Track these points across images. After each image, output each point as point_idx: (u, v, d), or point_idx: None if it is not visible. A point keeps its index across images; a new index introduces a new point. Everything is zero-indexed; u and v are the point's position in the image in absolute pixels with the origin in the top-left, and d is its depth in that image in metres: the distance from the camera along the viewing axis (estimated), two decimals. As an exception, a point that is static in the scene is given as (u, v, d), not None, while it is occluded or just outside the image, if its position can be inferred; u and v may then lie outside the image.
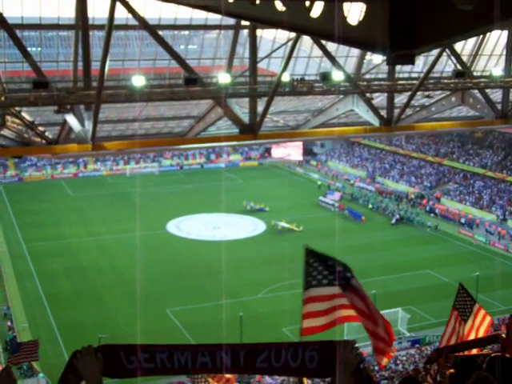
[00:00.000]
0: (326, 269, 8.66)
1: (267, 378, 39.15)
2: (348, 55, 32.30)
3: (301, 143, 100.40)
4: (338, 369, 4.42)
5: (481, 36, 32.79)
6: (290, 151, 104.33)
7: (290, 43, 27.24)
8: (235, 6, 7.74)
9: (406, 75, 34.19)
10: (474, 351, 9.84)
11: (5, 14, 21.21)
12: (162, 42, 24.62)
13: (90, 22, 23.63)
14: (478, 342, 10.32)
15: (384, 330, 8.32)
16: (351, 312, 8.55)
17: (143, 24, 23.47)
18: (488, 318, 10.98)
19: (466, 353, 9.69)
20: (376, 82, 32.44)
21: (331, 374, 4.50)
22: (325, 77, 27.81)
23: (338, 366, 4.42)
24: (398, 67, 32.32)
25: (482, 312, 10.95)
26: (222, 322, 41.55)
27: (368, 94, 31.34)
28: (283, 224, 68.92)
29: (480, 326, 10.87)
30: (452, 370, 7.75)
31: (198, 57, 30.81)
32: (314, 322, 8.91)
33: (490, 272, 51.30)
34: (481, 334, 10.79)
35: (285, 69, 27.03)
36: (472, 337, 10.70)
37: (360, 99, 31.49)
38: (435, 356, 9.28)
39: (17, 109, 25.28)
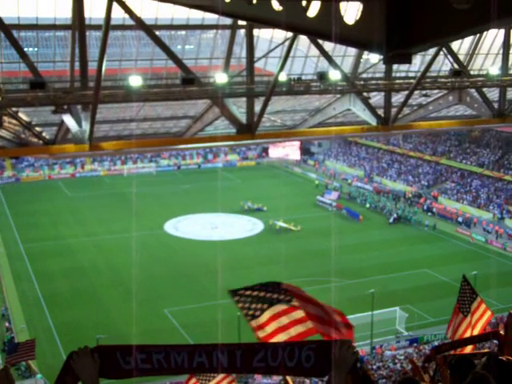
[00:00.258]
0: (260, 295, 8.63)
1: (261, 379, 39.13)
2: (345, 55, 32.32)
3: (298, 143, 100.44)
4: (334, 368, 4.42)
5: (477, 35, 32.83)
6: (287, 151, 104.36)
7: (286, 43, 27.25)
8: (232, 5, 7.73)
9: (403, 74, 34.22)
10: (469, 348, 9.85)
11: (1, 15, 21.19)
12: (158, 41, 24.59)
13: (87, 22, 23.63)
14: (477, 339, 10.34)
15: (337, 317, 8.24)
16: (309, 324, 8.48)
17: (140, 24, 23.45)
18: (488, 313, 10.99)
19: (460, 351, 9.71)
20: (373, 81, 32.47)
21: (328, 373, 4.50)
22: (322, 76, 27.82)
23: (334, 365, 4.42)
24: (394, 66, 32.35)
25: (483, 306, 10.96)
26: (220, 321, 41.55)
27: (365, 94, 31.36)
28: (281, 223, 68.93)
29: (478, 321, 10.89)
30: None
31: (195, 57, 30.82)
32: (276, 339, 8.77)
33: (488, 271, 51.35)
34: (477, 330, 10.81)
35: (282, 68, 27.03)
36: (469, 332, 10.72)
37: (357, 98, 31.50)
38: (433, 354, 9.29)
39: (14, 109, 25.26)
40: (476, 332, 10.77)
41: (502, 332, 8.55)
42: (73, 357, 4.46)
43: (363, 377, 5.00)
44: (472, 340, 10.42)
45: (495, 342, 9.19)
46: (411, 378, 5.31)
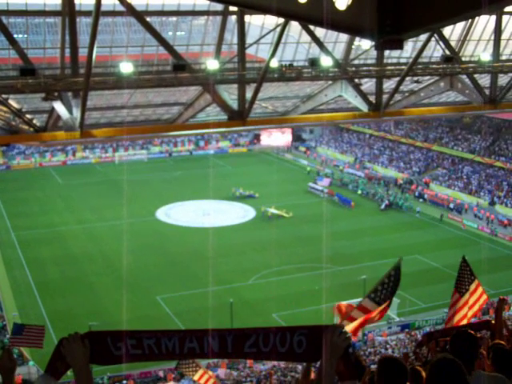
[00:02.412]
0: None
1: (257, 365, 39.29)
2: (336, 41, 32.24)
3: (290, 129, 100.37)
4: (326, 353, 4.42)
5: (469, 21, 32.81)
6: (278, 137, 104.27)
7: (278, 29, 27.14)
8: (222, -9, 7.71)
9: (394, 60, 34.18)
10: None
11: (-10, 1, 21.05)
12: (149, 28, 24.48)
13: (77, 9, 23.48)
14: (469, 328, 10.40)
15: None
16: None
17: (131, 10, 23.33)
18: (484, 297, 11.12)
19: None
20: (365, 68, 32.43)
21: (319, 359, 4.51)
22: (313, 62, 27.78)
23: (326, 351, 4.42)
24: (386, 52, 32.31)
25: (480, 289, 11.08)
26: (213, 308, 41.65)
27: (357, 80, 31.33)
28: (273, 210, 68.99)
29: (475, 302, 11.00)
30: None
31: (186, 43, 30.69)
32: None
33: (479, 256, 51.56)
34: (474, 311, 10.92)
35: (273, 55, 26.95)
36: (465, 310, 10.83)
37: (349, 85, 31.46)
38: (426, 341, 9.36)
39: (4, 96, 25.10)
40: (472, 312, 10.88)
41: (492, 321, 8.63)
42: (63, 343, 4.45)
43: (355, 362, 5.02)
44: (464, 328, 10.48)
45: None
46: (392, 357, 5.33)
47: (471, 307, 10.93)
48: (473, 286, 11.02)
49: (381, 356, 6.13)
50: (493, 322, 8.60)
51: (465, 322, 10.86)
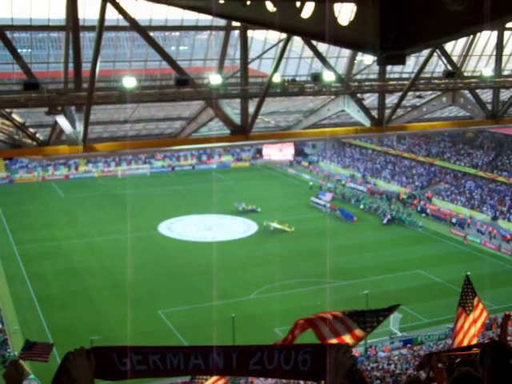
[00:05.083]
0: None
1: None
2: (339, 56, 32.36)
3: (292, 144, 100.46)
4: (331, 372, 4.41)
5: (471, 36, 32.91)
6: (281, 152, 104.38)
7: (281, 44, 27.27)
8: (226, 6, 7.74)
9: (396, 75, 34.27)
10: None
11: (-5, 16, 21.17)
12: (152, 43, 24.58)
13: (81, 23, 23.58)
14: (472, 349, 10.38)
15: None
16: None
17: (134, 25, 23.43)
18: (484, 314, 11.13)
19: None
20: (367, 83, 32.51)
21: (324, 377, 4.49)
22: (316, 77, 27.85)
23: (331, 369, 4.41)
24: (388, 67, 32.40)
25: (481, 306, 11.10)
26: (215, 323, 41.52)
27: (359, 95, 31.40)
28: (275, 225, 68.90)
29: (478, 319, 11.02)
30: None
31: (189, 58, 30.80)
32: None
33: (481, 272, 51.45)
34: (478, 327, 10.92)
35: (276, 69, 27.04)
36: (472, 331, 10.82)
37: (351, 100, 31.53)
38: (426, 361, 9.31)
39: (7, 110, 25.18)
40: (475, 330, 10.86)
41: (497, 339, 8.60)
42: (69, 357, 4.45)
43: (360, 381, 5.00)
44: (466, 349, 10.46)
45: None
46: (417, 380, 5.31)
47: (473, 323, 10.93)
48: (474, 303, 11.04)
49: (407, 379, 6.11)
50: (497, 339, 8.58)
51: (472, 341, 10.82)
